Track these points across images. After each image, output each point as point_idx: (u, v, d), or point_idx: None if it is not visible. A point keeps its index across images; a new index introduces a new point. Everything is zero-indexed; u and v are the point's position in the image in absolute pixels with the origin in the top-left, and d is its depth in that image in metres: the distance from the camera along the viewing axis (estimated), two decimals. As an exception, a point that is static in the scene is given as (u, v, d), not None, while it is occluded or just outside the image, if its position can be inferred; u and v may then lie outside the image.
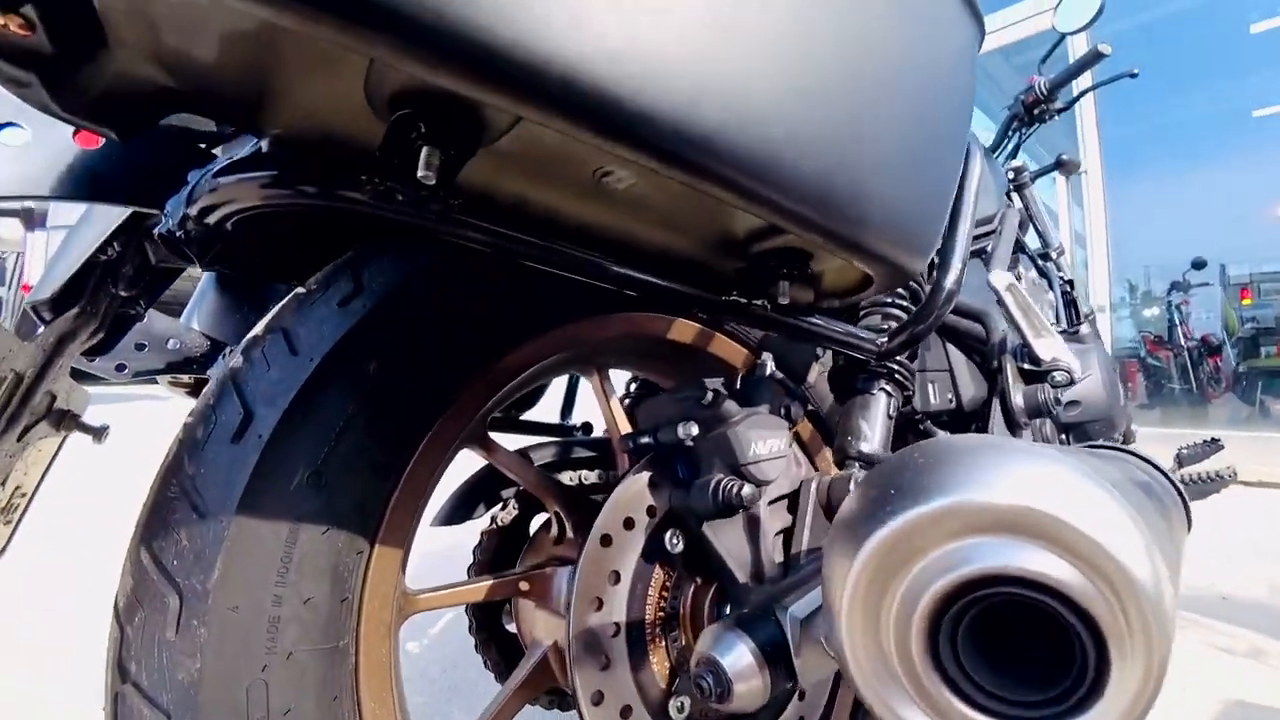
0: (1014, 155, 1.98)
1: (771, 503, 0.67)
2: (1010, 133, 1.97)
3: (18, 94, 0.31)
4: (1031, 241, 2.01)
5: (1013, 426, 0.94)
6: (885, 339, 0.70)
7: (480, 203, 0.46)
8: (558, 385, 1.14)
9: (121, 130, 0.35)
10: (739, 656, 0.52)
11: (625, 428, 0.73)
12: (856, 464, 0.73)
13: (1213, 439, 1.77)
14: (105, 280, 0.52)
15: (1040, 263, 1.84)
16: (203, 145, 0.49)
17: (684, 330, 0.78)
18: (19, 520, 0.57)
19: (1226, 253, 6.49)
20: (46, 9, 0.28)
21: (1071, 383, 0.95)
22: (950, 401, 1.10)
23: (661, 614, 0.63)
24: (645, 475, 0.63)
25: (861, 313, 0.77)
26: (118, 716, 0.44)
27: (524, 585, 0.68)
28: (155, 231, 0.49)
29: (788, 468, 0.69)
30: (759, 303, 0.56)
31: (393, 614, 0.56)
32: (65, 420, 0.56)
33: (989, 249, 1.54)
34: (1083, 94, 1.91)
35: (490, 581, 0.66)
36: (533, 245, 0.47)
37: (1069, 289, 1.92)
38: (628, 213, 0.48)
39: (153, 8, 0.29)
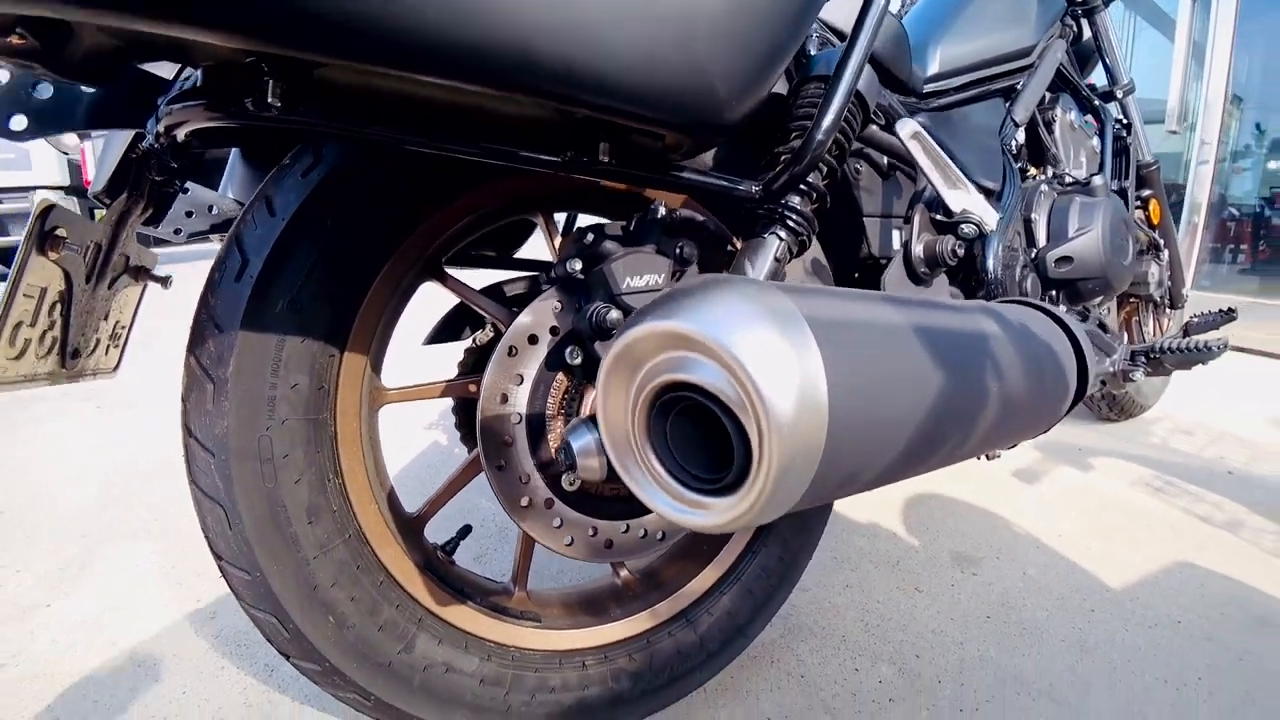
0: None
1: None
2: None
3: (31, 73, 0.50)
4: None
5: (914, 277, 1.01)
6: (759, 186, 0.78)
7: (350, 101, 0.61)
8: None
9: (102, 81, 0.54)
10: (586, 443, 0.68)
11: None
12: None
13: (1228, 309, 1.66)
14: (142, 170, 0.74)
15: (1099, 102, 1.70)
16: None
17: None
18: (124, 345, 0.84)
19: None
20: (31, 26, 0.46)
21: (981, 236, 0.99)
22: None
23: (563, 411, 0.84)
24: (551, 302, 0.80)
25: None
26: (187, 454, 0.71)
27: (471, 387, 0.90)
28: (141, 146, 0.69)
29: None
30: (606, 160, 0.68)
31: (363, 400, 0.81)
32: (140, 273, 0.81)
33: (1019, 86, 1.46)
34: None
35: (445, 383, 0.90)
36: (396, 132, 0.62)
37: (1125, 135, 1.77)
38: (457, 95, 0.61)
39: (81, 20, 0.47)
